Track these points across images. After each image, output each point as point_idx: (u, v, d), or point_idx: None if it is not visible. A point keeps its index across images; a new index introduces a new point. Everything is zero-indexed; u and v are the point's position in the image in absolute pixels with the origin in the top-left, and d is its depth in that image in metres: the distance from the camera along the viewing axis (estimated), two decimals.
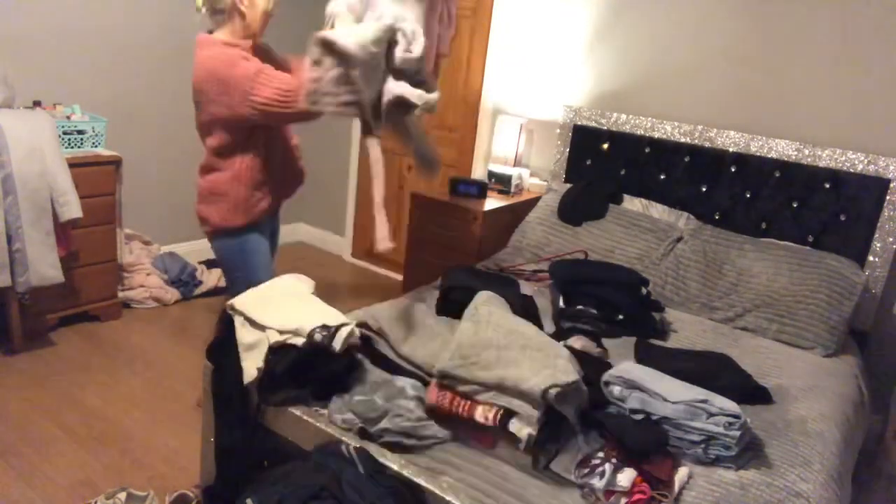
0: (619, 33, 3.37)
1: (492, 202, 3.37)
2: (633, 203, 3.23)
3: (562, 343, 2.05)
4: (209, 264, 4.03)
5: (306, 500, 1.41)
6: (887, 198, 2.74)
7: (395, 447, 1.61)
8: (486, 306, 1.92)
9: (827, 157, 2.86)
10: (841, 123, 2.88)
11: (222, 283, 3.92)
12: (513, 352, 1.66)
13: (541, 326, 2.28)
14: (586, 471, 1.53)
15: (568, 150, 3.50)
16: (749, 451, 1.75)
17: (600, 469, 1.52)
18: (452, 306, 2.31)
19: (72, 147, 3.14)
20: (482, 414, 1.62)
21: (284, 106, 2.11)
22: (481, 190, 3.42)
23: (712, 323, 2.69)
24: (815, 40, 2.89)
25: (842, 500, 1.75)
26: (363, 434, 1.64)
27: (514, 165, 3.61)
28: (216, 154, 2.32)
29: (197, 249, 4.14)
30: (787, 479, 1.68)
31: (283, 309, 1.82)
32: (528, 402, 1.57)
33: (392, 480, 1.49)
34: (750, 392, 2.06)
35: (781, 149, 2.95)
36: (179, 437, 2.55)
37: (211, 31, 2.33)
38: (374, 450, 1.60)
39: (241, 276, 2.39)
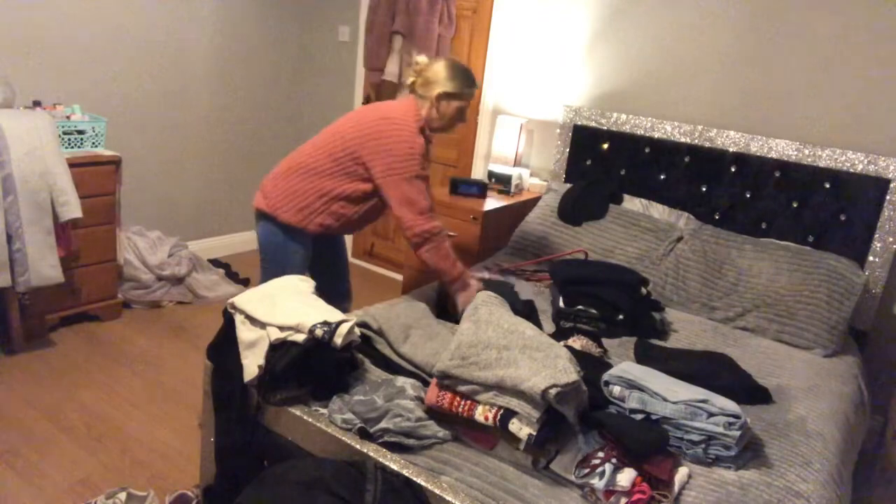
0: (619, 33, 3.37)
1: (492, 202, 3.37)
2: (633, 203, 3.23)
3: (562, 343, 2.05)
4: (214, 263, 4.04)
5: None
6: (887, 198, 2.74)
7: (395, 447, 1.61)
8: (486, 306, 1.92)
9: (827, 157, 2.86)
10: (841, 123, 2.88)
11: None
12: (513, 352, 1.66)
13: (541, 326, 2.29)
14: (586, 471, 1.53)
15: (568, 150, 3.50)
16: (749, 451, 1.75)
17: (600, 469, 1.52)
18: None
19: (72, 147, 3.14)
20: (482, 414, 1.62)
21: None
22: (481, 190, 3.42)
23: (712, 323, 2.69)
24: (814, 40, 2.89)
25: (842, 500, 1.75)
26: (363, 434, 1.64)
27: (514, 165, 3.61)
28: (331, 168, 2.33)
29: (197, 249, 4.14)
30: (787, 479, 1.68)
31: (284, 307, 1.82)
32: (528, 402, 1.57)
33: None
34: (750, 392, 2.06)
35: (781, 149, 2.95)
36: (179, 437, 2.55)
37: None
38: (375, 451, 1.60)
39: (274, 267, 2.41)
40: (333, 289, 2.66)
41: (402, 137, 2.23)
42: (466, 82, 2.34)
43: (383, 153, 2.23)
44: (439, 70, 2.31)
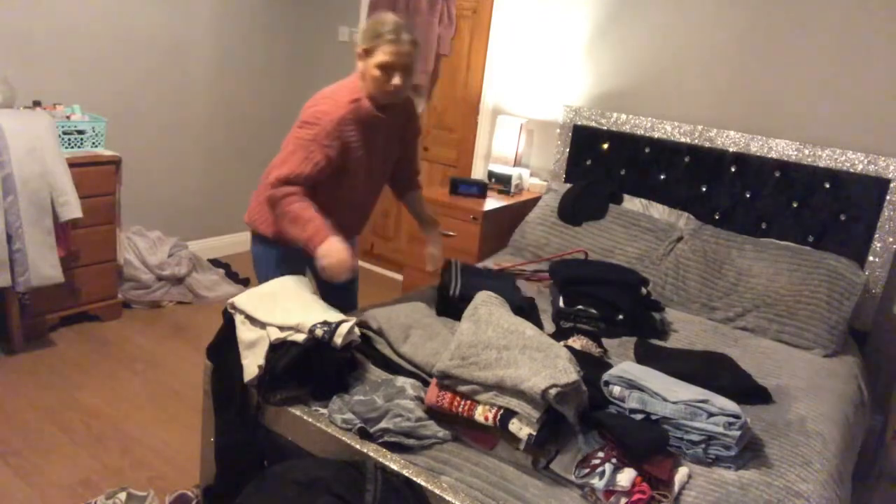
0: (619, 33, 3.37)
1: (492, 202, 3.37)
2: (633, 203, 3.23)
3: (562, 343, 2.05)
4: (214, 263, 4.04)
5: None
6: (887, 198, 2.74)
7: (395, 447, 1.61)
8: (486, 306, 1.92)
9: (827, 157, 2.85)
10: (841, 123, 2.88)
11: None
12: (513, 352, 1.66)
13: (541, 326, 2.28)
14: (586, 471, 1.53)
15: (568, 150, 3.50)
16: (749, 451, 1.75)
17: (600, 469, 1.52)
18: (452, 306, 2.31)
19: (72, 147, 3.14)
20: (482, 414, 1.62)
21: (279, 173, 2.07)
22: (481, 190, 3.42)
23: (712, 323, 2.69)
24: (814, 40, 2.89)
25: (842, 500, 1.75)
26: (363, 434, 1.64)
27: (514, 165, 3.61)
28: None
29: (197, 249, 4.14)
30: (787, 479, 1.68)
31: (284, 307, 1.82)
32: (528, 402, 1.57)
33: None
34: (750, 392, 2.05)
35: (781, 149, 2.95)
36: (180, 437, 2.55)
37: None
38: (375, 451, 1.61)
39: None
40: (337, 301, 2.56)
41: (317, 106, 2.07)
42: (373, 33, 2.00)
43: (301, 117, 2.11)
44: (359, 32, 2.10)
